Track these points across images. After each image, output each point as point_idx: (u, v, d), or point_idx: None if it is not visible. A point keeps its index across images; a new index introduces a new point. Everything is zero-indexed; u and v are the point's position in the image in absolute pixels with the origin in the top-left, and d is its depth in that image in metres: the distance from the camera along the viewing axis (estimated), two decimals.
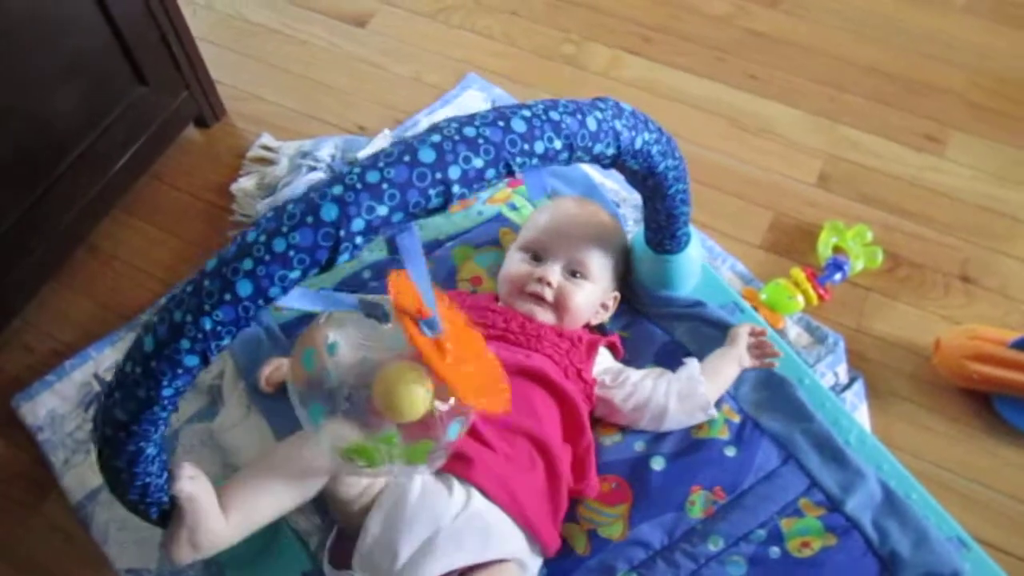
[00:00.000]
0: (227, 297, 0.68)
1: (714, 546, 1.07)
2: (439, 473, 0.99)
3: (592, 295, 1.19)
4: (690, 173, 1.09)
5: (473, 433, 1.00)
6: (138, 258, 1.49)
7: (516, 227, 1.34)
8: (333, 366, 0.84)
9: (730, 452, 1.14)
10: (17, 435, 1.29)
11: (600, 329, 1.25)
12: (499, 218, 1.38)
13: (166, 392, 0.73)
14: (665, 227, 1.12)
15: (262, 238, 0.68)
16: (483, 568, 0.95)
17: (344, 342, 0.85)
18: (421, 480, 0.98)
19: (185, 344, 0.69)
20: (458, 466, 0.99)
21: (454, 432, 0.88)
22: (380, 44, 1.83)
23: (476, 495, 0.99)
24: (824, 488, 1.11)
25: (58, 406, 1.29)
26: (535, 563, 1.03)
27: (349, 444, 0.85)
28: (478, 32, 1.85)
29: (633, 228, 1.37)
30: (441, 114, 1.66)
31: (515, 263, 1.21)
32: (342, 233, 0.68)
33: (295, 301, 0.74)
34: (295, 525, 1.12)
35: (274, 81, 1.77)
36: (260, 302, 0.69)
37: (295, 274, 0.68)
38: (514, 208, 1.39)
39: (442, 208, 0.73)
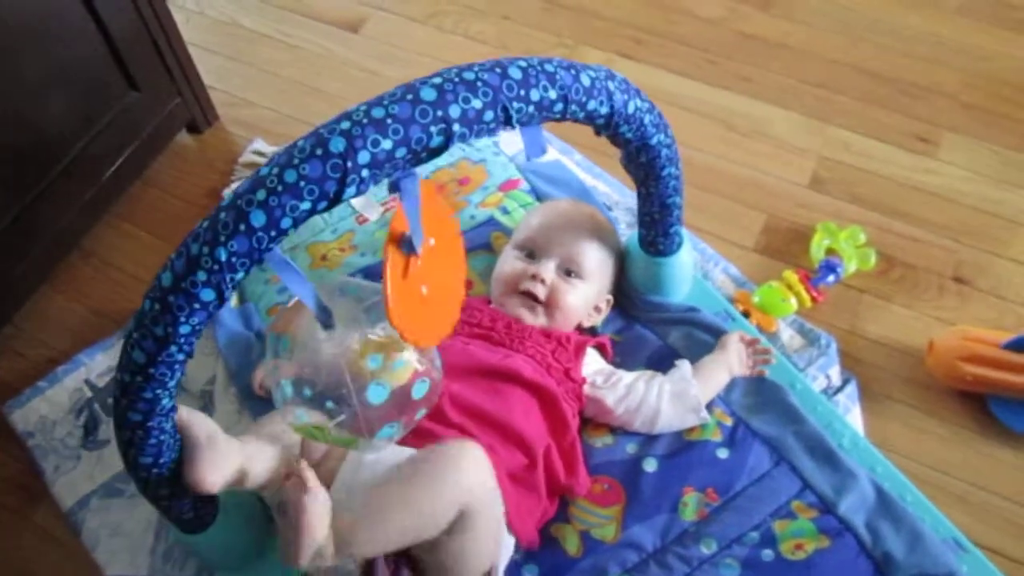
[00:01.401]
0: (241, 228, 0.71)
1: (707, 548, 1.07)
2: (399, 446, 0.98)
3: (586, 295, 1.19)
4: (683, 175, 1.10)
5: (444, 421, 1.01)
6: (131, 264, 1.49)
7: (508, 231, 1.33)
8: (285, 356, 0.88)
9: (722, 454, 1.13)
10: (8, 442, 1.29)
11: (592, 332, 1.25)
12: (491, 222, 1.38)
13: (183, 329, 0.74)
14: (659, 221, 1.12)
15: (274, 171, 0.71)
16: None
17: (296, 334, 0.88)
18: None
19: (201, 276, 0.72)
20: (418, 440, 0.98)
21: (385, 435, 0.89)
22: (373, 49, 1.83)
23: None
24: (817, 490, 1.11)
25: (49, 413, 1.29)
26: (506, 544, 1.02)
27: (296, 424, 0.89)
28: (471, 37, 1.85)
29: (626, 232, 1.37)
30: None
31: (509, 261, 1.21)
32: (349, 165, 0.71)
33: (276, 261, 0.76)
34: None
35: (267, 86, 1.77)
36: (273, 233, 0.71)
37: (306, 205, 0.71)
38: (506, 212, 1.39)
39: (443, 147, 0.76)
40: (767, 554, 1.06)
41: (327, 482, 1.00)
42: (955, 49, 1.78)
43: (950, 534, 1.11)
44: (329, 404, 0.87)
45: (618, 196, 1.48)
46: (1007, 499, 1.21)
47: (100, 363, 1.33)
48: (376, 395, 0.86)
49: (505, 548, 1.02)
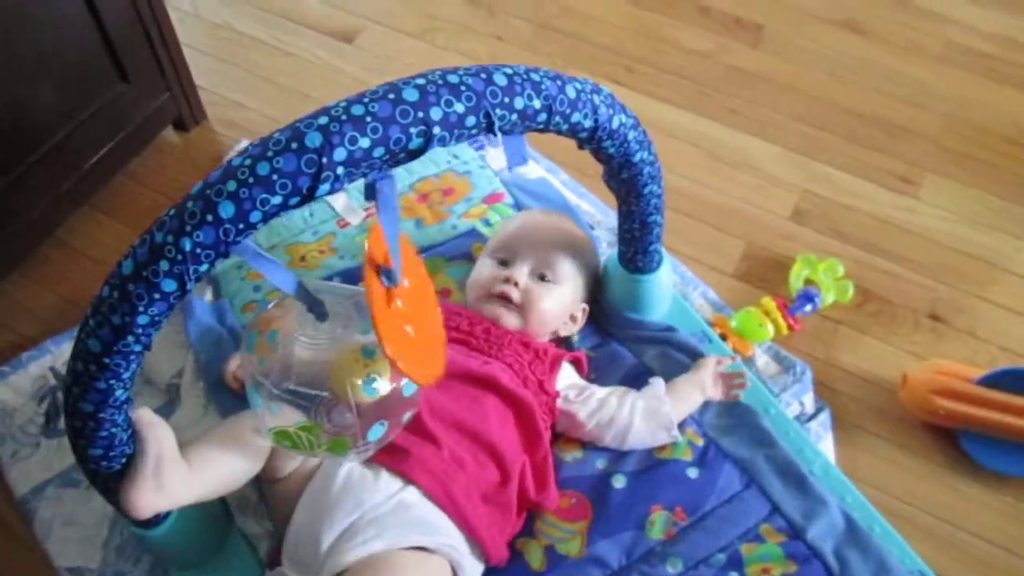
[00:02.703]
0: (208, 218, 0.68)
1: (673, 568, 1.05)
2: (370, 464, 0.98)
3: (559, 300, 1.19)
4: (666, 201, 1.10)
5: (419, 429, 1.00)
6: (106, 255, 1.47)
7: None
8: (267, 353, 0.86)
9: (692, 473, 1.12)
10: None
11: (567, 344, 1.24)
12: (473, 233, 1.38)
13: (141, 319, 0.72)
14: (639, 238, 1.12)
15: (247, 162, 0.68)
16: (409, 553, 0.92)
17: (283, 332, 0.86)
18: (347, 470, 0.97)
19: (164, 265, 0.69)
20: (392, 459, 0.97)
21: (375, 434, 0.87)
22: (365, 60, 1.84)
23: (410, 488, 0.97)
24: (786, 515, 1.10)
25: (10, 399, 1.26)
26: (474, 568, 1.00)
27: (276, 428, 0.87)
28: (463, 53, 1.86)
29: (607, 251, 1.37)
30: None
31: (483, 268, 1.21)
32: (324, 161, 0.68)
33: (248, 252, 0.74)
34: (245, 530, 1.10)
35: (257, 89, 1.77)
36: (241, 226, 0.69)
37: (277, 199, 0.69)
38: (488, 224, 1.39)
39: (422, 150, 0.74)
40: None
41: (293, 499, 0.98)
42: (937, 95, 1.81)
43: (916, 567, 1.10)
44: (318, 401, 0.85)
45: (601, 216, 1.48)
46: (974, 534, 1.21)
47: (67, 351, 1.28)
48: (370, 390, 0.84)
49: (475, 575, 1.00)
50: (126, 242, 1.46)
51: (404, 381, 0.87)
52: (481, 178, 1.47)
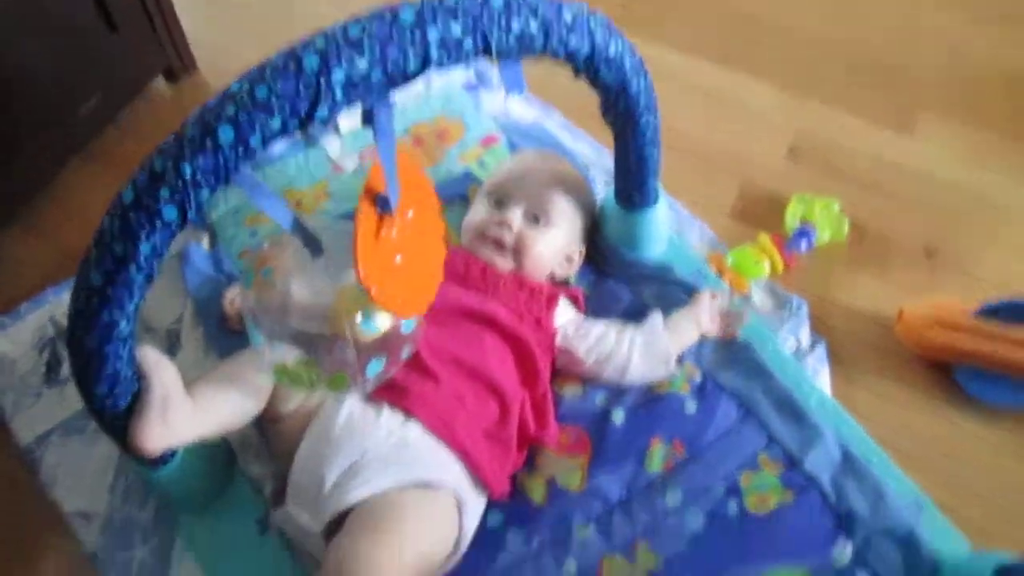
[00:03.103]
0: (208, 143, 0.68)
1: (672, 499, 1.07)
2: (372, 401, 0.98)
3: (554, 242, 1.19)
4: (662, 142, 1.09)
5: (419, 367, 1.00)
6: (100, 207, 1.42)
7: None
8: (265, 291, 0.86)
9: (690, 407, 1.13)
10: None
11: (564, 284, 1.24)
12: (468, 176, 1.38)
13: (144, 248, 0.72)
14: (635, 173, 1.12)
15: (245, 86, 0.68)
16: (413, 490, 0.93)
17: (279, 270, 0.86)
18: (349, 408, 0.98)
19: (164, 193, 0.69)
20: (393, 395, 0.98)
21: (374, 370, 0.88)
22: (366, 8, 1.81)
23: (412, 424, 0.98)
24: (783, 445, 1.11)
25: (10, 350, 1.26)
26: (477, 503, 1.01)
27: (276, 364, 0.88)
28: None
29: (602, 192, 1.37)
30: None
31: (478, 210, 1.21)
32: (322, 83, 0.68)
33: (247, 182, 0.74)
34: (249, 472, 1.11)
35: (249, 39, 1.74)
36: (241, 150, 0.69)
37: (276, 123, 0.69)
38: (483, 166, 1.39)
39: (419, 71, 0.73)
40: (732, 506, 1.06)
41: (296, 438, 0.99)
42: (933, 33, 1.80)
43: (912, 495, 1.11)
44: (318, 338, 0.86)
45: (596, 156, 1.47)
46: (968, 466, 1.22)
47: (66, 302, 1.28)
48: (368, 326, 0.85)
49: (476, 512, 1.01)
50: None
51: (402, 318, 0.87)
52: (475, 121, 1.46)
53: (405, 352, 0.91)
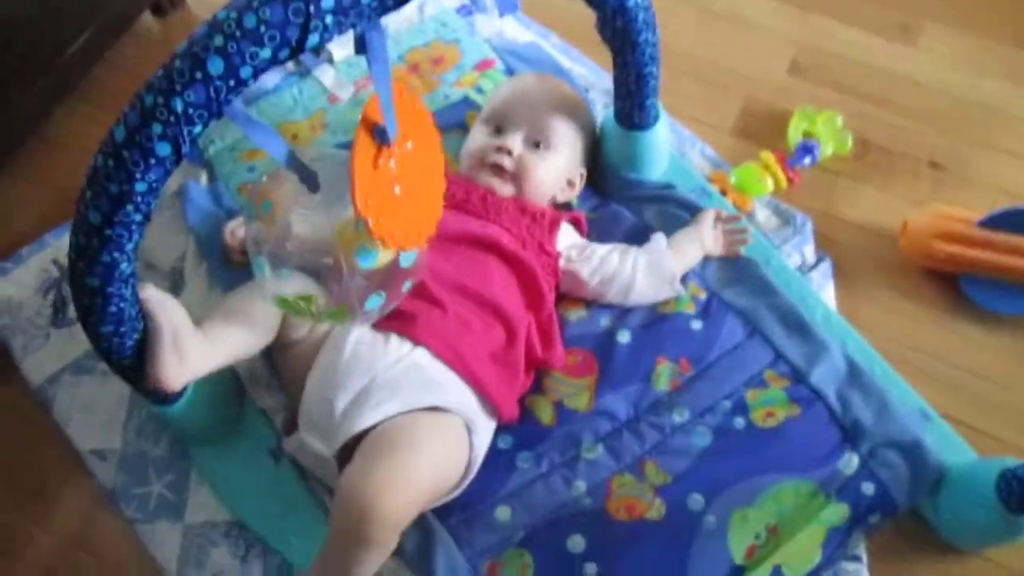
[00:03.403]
0: (198, 76, 0.67)
1: (679, 417, 1.08)
2: (379, 329, 0.99)
3: (555, 167, 1.18)
4: (661, 61, 1.08)
5: (424, 294, 1.00)
6: (94, 146, 1.39)
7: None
8: (265, 224, 0.86)
9: (696, 325, 1.14)
10: None
11: (567, 208, 1.24)
12: (466, 101, 1.36)
13: (139, 187, 0.71)
14: (635, 92, 1.11)
15: (232, 15, 0.66)
16: (423, 414, 0.94)
17: (277, 203, 0.86)
18: (357, 336, 0.99)
19: (157, 129, 0.68)
20: (400, 323, 0.99)
21: (373, 303, 0.88)
22: None
23: (420, 351, 0.99)
24: (789, 360, 1.12)
25: (15, 293, 1.26)
26: (487, 426, 1.02)
27: (278, 295, 0.88)
28: None
29: (602, 113, 1.35)
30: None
31: (476, 136, 1.20)
32: (312, 10, 0.67)
33: (239, 117, 0.73)
34: (261, 403, 1.12)
35: None
36: (232, 82, 0.68)
37: (266, 52, 0.67)
38: (481, 92, 1.36)
39: None
40: (739, 422, 1.08)
41: (306, 365, 1.00)
42: None
43: (917, 405, 1.13)
44: (314, 272, 0.86)
45: (595, 78, 1.45)
46: (974, 374, 1.23)
47: (67, 243, 1.28)
48: (365, 260, 0.84)
49: (486, 434, 1.02)
50: None
51: (401, 252, 0.87)
52: (470, 45, 1.44)
53: (406, 286, 0.91)
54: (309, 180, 0.83)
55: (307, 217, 0.85)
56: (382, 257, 0.85)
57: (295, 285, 0.88)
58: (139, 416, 1.15)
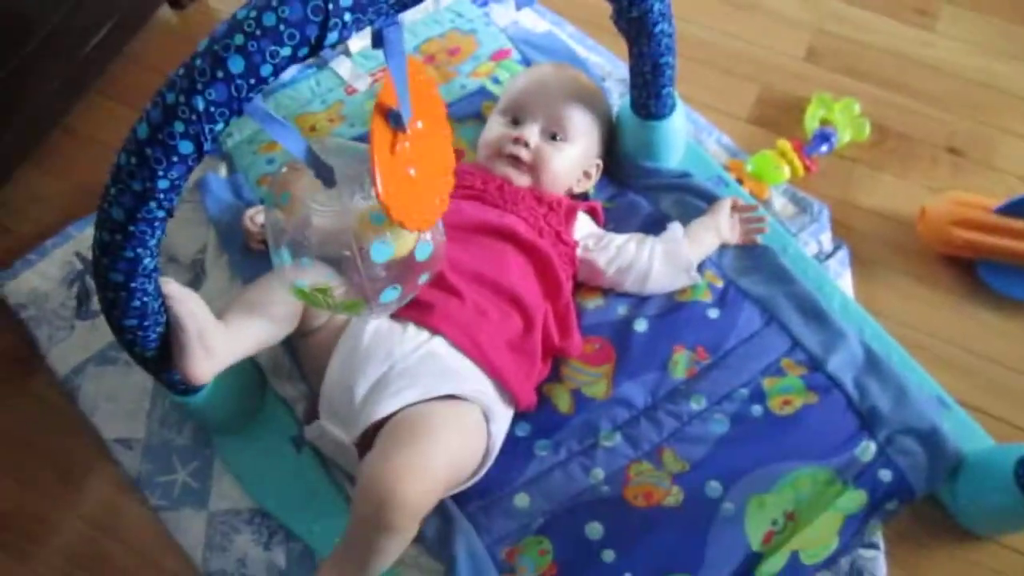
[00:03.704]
0: (219, 74, 0.67)
1: (697, 405, 1.09)
2: (397, 318, 1.00)
3: (572, 158, 1.18)
4: (677, 49, 1.08)
5: (442, 284, 1.01)
6: (115, 139, 1.40)
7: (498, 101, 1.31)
8: (284, 215, 0.87)
9: (713, 314, 1.14)
10: (0, 315, 1.28)
11: (583, 198, 1.24)
12: (482, 92, 1.36)
13: (161, 184, 0.72)
14: (651, 82, 1.11)
15: (252, 14, 0.67)
16: (441, 403, 0.95)
17: (295, 195, 0.86)
18: (375, 324, 1.00)
19: (179, 127, 0.69)
20: (417, 312, 1.00)
21: (388, 297, 0.89)
22: None
23: (437, 339, 1.00)
24: (806, 348, 1.12)
25: (41, 284, 1.28)
26: (504, 414, 1.03)
27: (295, 287, 0.89)
28: None
29: (618, 103, 1.35)
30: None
31: (494, 127, 1.20)
32: (331, 7, 0.67)
33: (259, 114, 0.74)
34: (282, 392, 1.13)
35: None
36: (252, 80, 0.68)
37: (286, 50, 0.68)
38: (497, 82, 1.37)
39: None
40: (756, 409, 1.08)
41: (326, 353, 1.01)
42: None
43: (934, 392, 1.13)
44: (332, 263, 0.86)
45: (611, 67, 1.45)
46: (992, 360, 1.22)
47: (89, 236, 1.30)
48: (380, 253, 0.85)
49: (504, 422, 1.03)
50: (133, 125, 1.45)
51: (419, 243, 0.88)
52: (486, 35, 1.44)
53: (422, 279, 0.92)
54: (325, 176, 0.84)
55: (325, 209, 0.86)
56: (399, 250, 0.86)
57: (314, 275, 0.89)
58: (163, 406, 1.17)
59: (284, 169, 0.91)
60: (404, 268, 0.88)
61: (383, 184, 0.77)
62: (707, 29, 1.57)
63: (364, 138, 1.28)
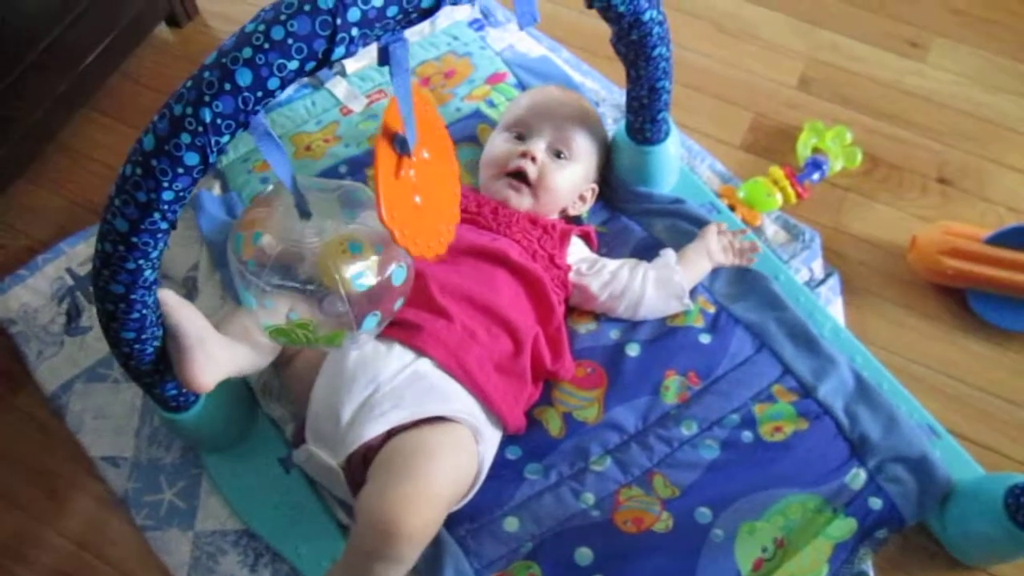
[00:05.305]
0: (227, 87, 0.68)
1: (687, 430, 1.08)
2: (383, 339, 0.99)
3: (573, 177, 1.19)
4: (673, 75, 1.08)
5: (430, 305, 1.02)
6: (111, 156, 1.46)
7: (494, 124, 1.32)
8: (255, 253, 0.86)
9: (705, 339, 1.14)
10: None
11: (577, 222, 1.25)
12: (477, 114, 1.37)
13: (166, 195, 0.72)
14: (647, 106, 1.12)
15: (261, 27, 0.67)
16: (430, 424, 0.95)
17: (268, 232, 0.86)
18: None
19: (185, 138, 0.69)
20: (405, 333, 0.99)
21: (369, 324, 0.89)
22: None
23: (423, 361, 0.99)
24: (797, 375, 1.12)
25: (31, 300, 1.28)
26: (492, 436, 1.02)
27: (271, 326, 0.88)
28: None
29: (612, 128, 1.36)
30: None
31: (499, 143, 1.20)
32: (339, 22, 0.68)
33: (259, 130, 0.74)
34: (271, 413, 1.13)
35: None
36: (259, 93, 0.69)
37: (294, 64, 0.68)
38: (492, 105, 1.38)
39: (435, 7, 0.72)
40: (747, 435, 1.08)
41: (311, 377, 1.01)
42: None
43: (925, 421, 1.13)
44: (311, 295, 0.86)
45: (605, 92, 1.46)
46: (981, 390, 1.23)
47: (81, 252, 1.32)
48: (360, 282, 0.85)
49: (492, 443, 1.03)
50: (129, 142, 1.44)
51: (392, 270, 0.88)
52: (482, 59, 1.45)
53: (397, 304, 0.92)
54: (303, 207, 0.84)
55: (296, 244, 0.86)
56: (374, 278, 0.86)
57: (284, 313, 0.89)
58: (151, 424, 1.16)
59: (252, 206, 0.91)
60: (381, 294, 0.88)
61: (386, 208, 0.77)
62: (702, 56, 1.59)
63: (359, 159, 1.30)
